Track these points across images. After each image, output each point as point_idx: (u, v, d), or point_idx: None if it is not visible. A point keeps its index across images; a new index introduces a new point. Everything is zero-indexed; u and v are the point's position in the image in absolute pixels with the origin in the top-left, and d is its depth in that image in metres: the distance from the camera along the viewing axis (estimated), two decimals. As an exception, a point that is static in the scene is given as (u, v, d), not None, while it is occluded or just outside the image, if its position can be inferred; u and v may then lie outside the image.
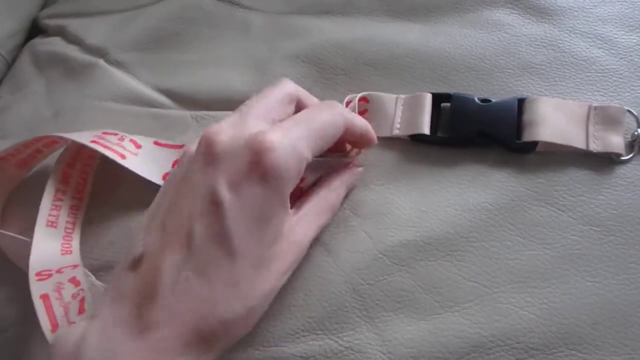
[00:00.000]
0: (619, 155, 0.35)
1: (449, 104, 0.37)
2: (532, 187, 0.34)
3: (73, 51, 0.52)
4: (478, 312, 0.31)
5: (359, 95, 0.39)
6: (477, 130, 0.36)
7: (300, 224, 0.30)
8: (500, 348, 0.30)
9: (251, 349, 0.32)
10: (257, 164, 0.26)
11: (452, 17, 0.43)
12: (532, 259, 0.32)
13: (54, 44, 0.54)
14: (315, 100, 0.34)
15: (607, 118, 0.35)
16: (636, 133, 0.35)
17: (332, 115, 0.30)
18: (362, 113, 0.39)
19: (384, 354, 0.31)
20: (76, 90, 0.49)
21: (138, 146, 0.38)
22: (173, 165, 0.38)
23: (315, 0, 0.48)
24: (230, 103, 0.44)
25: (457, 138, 0.36)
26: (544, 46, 0.40)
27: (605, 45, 0.39)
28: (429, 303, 0.32)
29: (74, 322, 0.32)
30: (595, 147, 0.35)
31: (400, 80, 0.41)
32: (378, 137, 0.36)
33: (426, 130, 0.37)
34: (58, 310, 0.33)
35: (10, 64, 0.57)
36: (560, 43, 0.40)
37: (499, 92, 0.38)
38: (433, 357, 0.31)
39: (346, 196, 0.36)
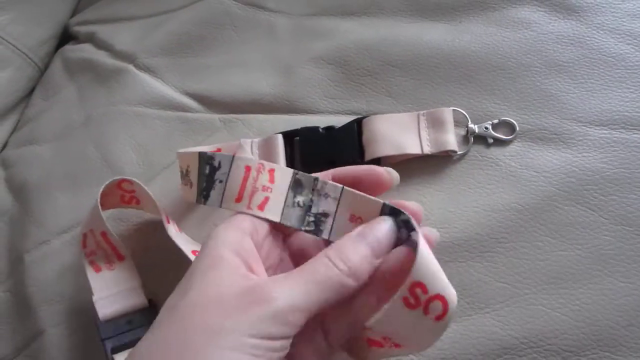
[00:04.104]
0: (454, 151, 0.37)
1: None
2: (562, 186, 0.34)
3: (103, 57, 0.53)
4: (509, 313, 0.31)
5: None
6: (325, 158, 0.37)
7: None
8: (532, 350, 0.30)
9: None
10: None
11: (477, 15, 0.43)
12: (564, 259, 0.32)
13: (85, 51, 0.56)
14: None
15: (435, 121, 0.38)
16: (468, 127, 0.37)
17: None
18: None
19: (414, 355, 0.31)
20: (107, 95, 0.50)
21: None
22: None
23: (339, 1, 0.48)
24: (258, 105, 0.44)
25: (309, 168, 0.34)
26: (571, 43, 0.39)
27: (635, 41, 0.38)
28: (459, 305, 0.32)
29: None
30: (428, 149, 0.37)
31: (426, 81, 0.41)
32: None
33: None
34: None
35: (43, 70, 0.58)
36: (588, 40, 0.39)
37: (526, 91, 0.38)
38: (464, 359, 0.31)
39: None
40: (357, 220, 0.27)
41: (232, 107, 0.45)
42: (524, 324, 0.31)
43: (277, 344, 0.22)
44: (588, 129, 0.36)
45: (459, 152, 0.37)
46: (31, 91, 0.57)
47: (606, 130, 0.35)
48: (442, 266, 0.33)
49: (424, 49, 0.42)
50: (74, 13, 0.62)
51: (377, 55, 0.43)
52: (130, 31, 0.55)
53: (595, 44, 0.39)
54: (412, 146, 0.37)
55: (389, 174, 0.29)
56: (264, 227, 0.26)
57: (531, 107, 0.37)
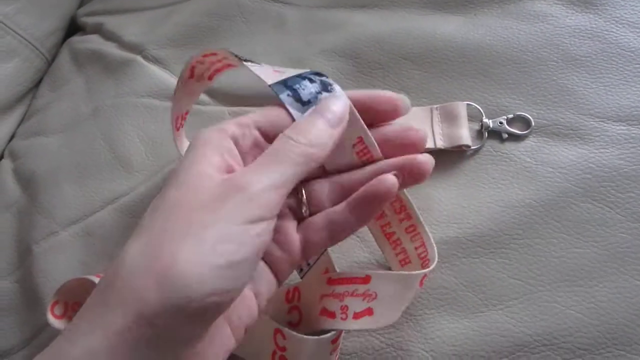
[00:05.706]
0: (467, 146, 0.36)
1: None
2: (578, 183, 0.34)
3: (111, 48, 0.53)
4: (523, 310, 0.31)
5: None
6: None
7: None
8: (546, 347, 0.30)
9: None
10: None
11: (492, 8, 0.42)
12: (579, 257, 0.32)
13: (92, 42, 0.55)
14: None
15: (448, 115, 0.37)
16: (483, 122, 0.37)
17: None
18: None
19: (426, 351, 0.31)
20: (114, 87, 0.50)
21: None
22: None
23: (350, -8, 0.47)
24: (266, 98, 0.43)
25: None
26: (589, 37, 0.39)
27: (655, 35, 0.38)
28: (472, 301, 0.32)
29: None
30: (442, 144, 0.36)
31: (439, 74, 0.40)
32: None
33: None
34: None
35: (50, 62, 0.58)
36: (606, 34, 0.38)
37: (542, 86, 0.37)
38: (477, 356, 0.30)
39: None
40: None
41: (241, 99, 0.45)
42: (538, 321, 0.31)
43: (258, 228, 0.23)
44: (605, 124, 0.35)
45: (472, 147, 0.36)
46: (38, 82, 0.57)
47: (624, 126, 0.35)
48: (455, 262, 0.33)
49: (437, 41, 0.41)
50: (81, 4, 0.62)
51: (389, 48, 0.42)
52: (138, 22, 0.54)
53: (614, 37, 0.38)
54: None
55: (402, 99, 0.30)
56: (251, 136, 0.27)
57: (547, 101, 0.37)
